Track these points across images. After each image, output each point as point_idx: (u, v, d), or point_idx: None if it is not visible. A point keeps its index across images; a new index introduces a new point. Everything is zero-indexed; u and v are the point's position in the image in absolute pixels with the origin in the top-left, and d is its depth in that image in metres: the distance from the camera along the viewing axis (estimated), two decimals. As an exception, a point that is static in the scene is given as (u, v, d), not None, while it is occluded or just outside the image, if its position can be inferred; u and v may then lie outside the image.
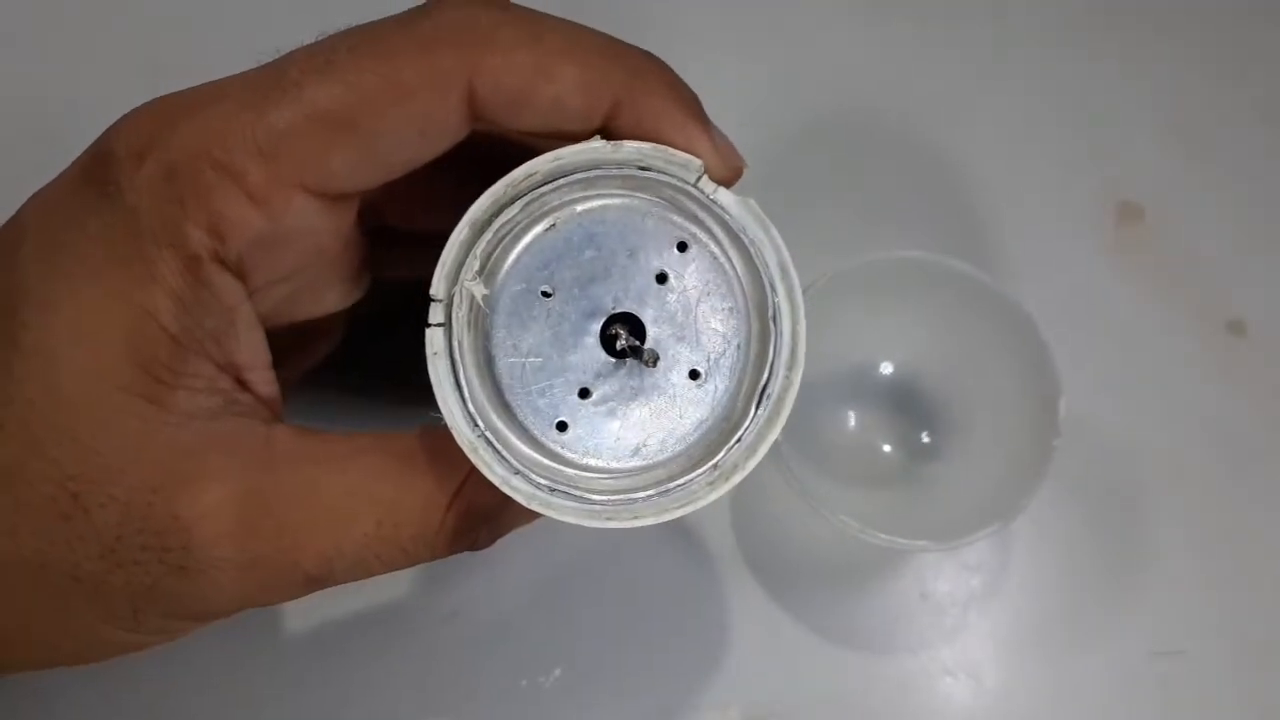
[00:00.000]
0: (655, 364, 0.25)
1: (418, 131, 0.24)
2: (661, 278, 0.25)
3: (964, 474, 0.34)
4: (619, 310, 0.25)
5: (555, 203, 0.24)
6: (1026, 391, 0.32)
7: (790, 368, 0.25)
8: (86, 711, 0.33)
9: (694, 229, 0.25)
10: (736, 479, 0.25)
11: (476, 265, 0.24)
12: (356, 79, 0.23)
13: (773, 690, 0.34)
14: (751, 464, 0.25)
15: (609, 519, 0.25)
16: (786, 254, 0.25)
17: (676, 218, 0.25)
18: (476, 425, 0.24)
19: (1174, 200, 0.40)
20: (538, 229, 0.24)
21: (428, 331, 0.24)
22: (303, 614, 0.34)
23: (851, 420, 0.36)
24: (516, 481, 0.24)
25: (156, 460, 0.23)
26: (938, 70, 0.42)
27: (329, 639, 0.34)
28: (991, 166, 0.40)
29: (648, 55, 0.25)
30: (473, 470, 0.25)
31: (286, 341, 0.27)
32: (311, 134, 0.23)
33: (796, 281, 0.25)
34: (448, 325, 0.24)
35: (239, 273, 0.24)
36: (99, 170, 0.24)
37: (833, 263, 0.33)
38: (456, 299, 0.24)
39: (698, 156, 0.25)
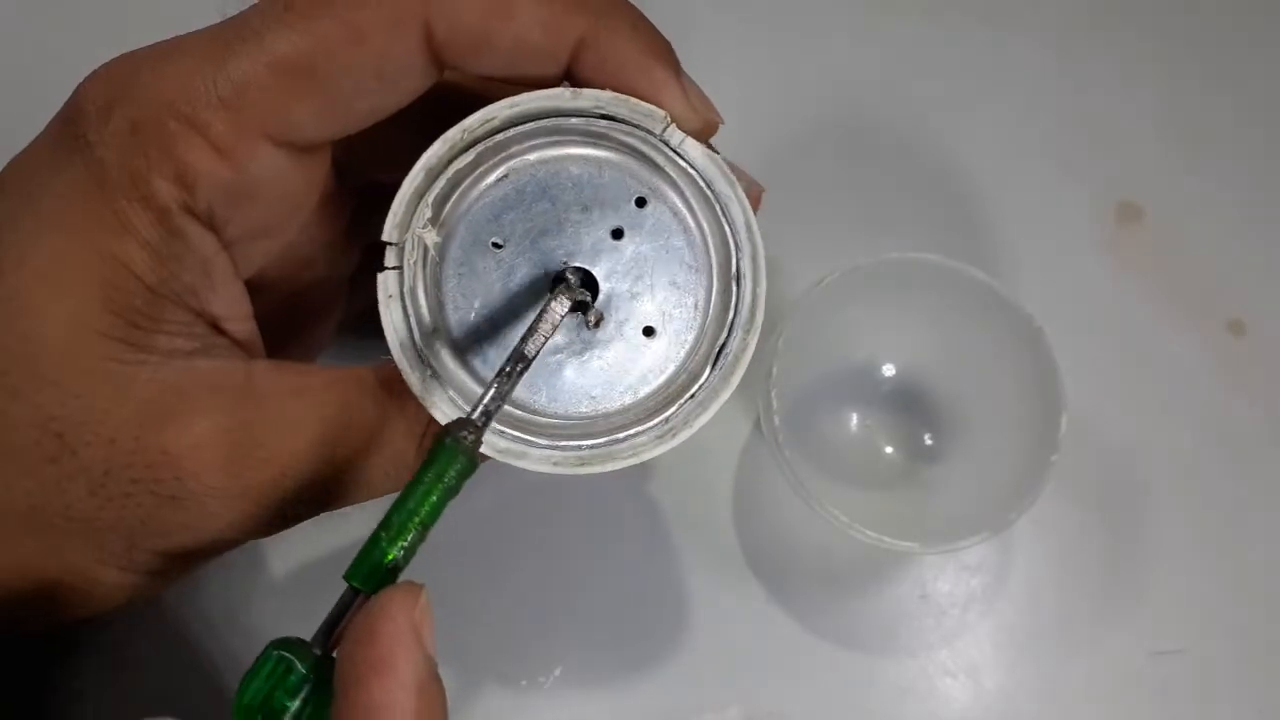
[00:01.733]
0: (598, 325, 0.25)
1: (376, 75, 0.24)
2: (617, 233, 0.24)
3: (963, 479, 0.34)
4: (571, 265, 0.25)
5: (510, 150, 0.24)
6: (1030, 404, 0.32)
7: (748, 330, 0.25)
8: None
9: (657, 181, 0.24)
10: (684, 434, 0.25)
11: (429, 213, 0.24)
12: (313, 24, 0.23)
13: (772, 690, 0.34)
14: (700, 421, 0.25)
15: (555, 465, 0.25)
16: (752, 213, 0.25)
17: (638, 169, 0.24)
18: (427, 368, 0.24)
19: (1174, 200, 0.40)
20: (490, 178, 0.24)
21: (379, 276, 0.24)
22: (299, 608, 0.34)
23: (853, 421, 0.36)
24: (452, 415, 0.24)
25: (140, 397, 0.24)
26: (938, 71, 0.42)
27: (280, 630, 0.34)
28: (992, 167, 0.40)
29: (619, 2, 0.25)
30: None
31: (288, 316, 0.27)
32: (272, 82, 0.23)
33: (760, 241, 0.25)
34: (400, 269, 0.24)
35: (210, 224, 0.24)
36: (69, 126, 0.24)
37: (833, 263, 0.32)
38: (409, 245, 0.24)
39: (664, 104, 0.24)
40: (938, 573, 0.36)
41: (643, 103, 0.24)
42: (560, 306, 0.24)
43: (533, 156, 0.24)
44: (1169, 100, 0.42)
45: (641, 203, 0.24)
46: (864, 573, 0.36)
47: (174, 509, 0.24)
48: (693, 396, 0.25)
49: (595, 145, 0.24)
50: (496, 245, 0.24)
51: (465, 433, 0.22)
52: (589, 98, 0.24)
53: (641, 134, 0.24)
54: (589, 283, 0.25)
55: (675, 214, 0.24)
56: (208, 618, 0.34)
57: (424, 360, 0.24)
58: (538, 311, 0.24)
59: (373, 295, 0.24)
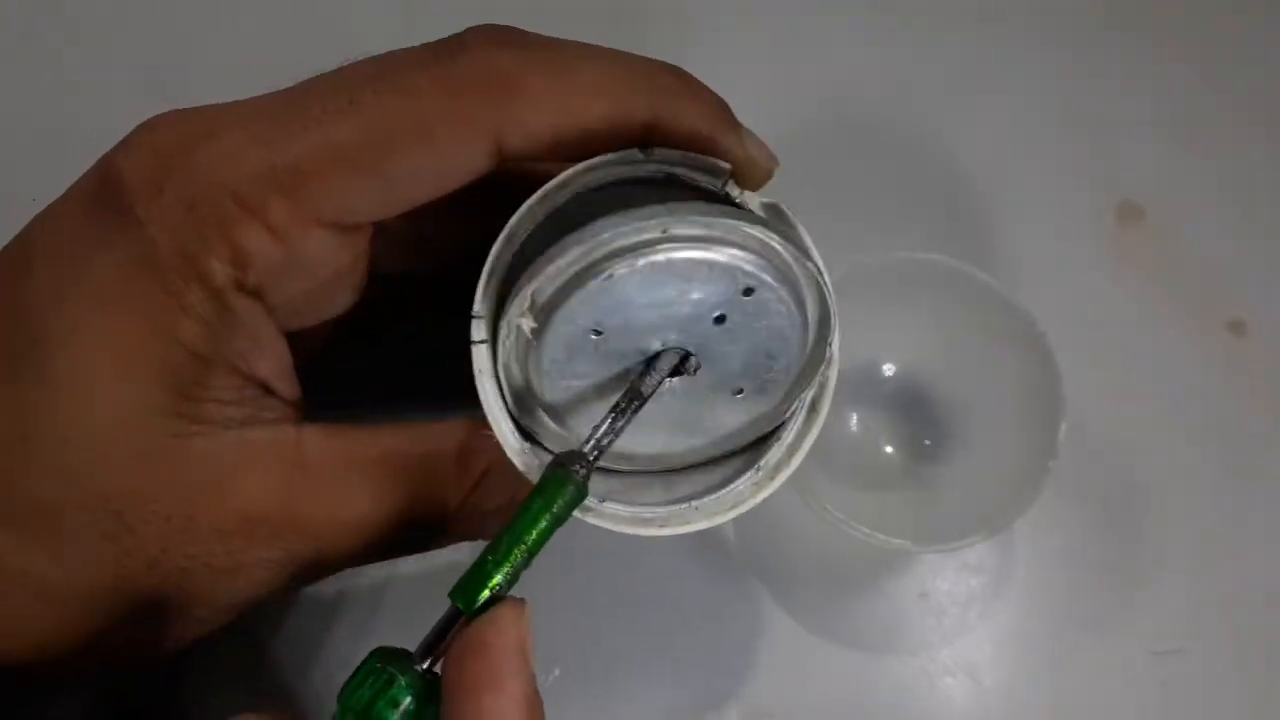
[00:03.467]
0: (696, 372, 0.24)
1: (439, 174, 0.24)
2: (720, 319, 0.24)
3: (962, 479, 0.34)
4: (669, 347, 0.24)
5: (618, 257, 0.23)
6: (1030, 408, 0.32)
7: (828, 365, 0.25)
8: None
9: (762, 271, 0.23)
10: (782, 477, 0.26)
11: (527, 303, 0.23)
12: (380, 121, 0.23)
13: (772, 690, 0.34)
14: (796, 461, 0.26)
15: (662, 525, 0.25)
16: (817, 256, 0.25)
17: (745, 259, 0.23)
18: (526, 441, 0.25)
19: (1175, 200, 0.40)
20: (596, 279, 0.22)
21: (473, 349, 0.24)
22: (293, 614, 0.34)
23: (854, 421, 0.36)
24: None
25: (194, 474, 0.24)
26: (939, 72, 0.42)
27: (325, 640, 0.34)
28: (992, 167, 0.40)
29: (674, 72, 0.25)
30: (486, 472, 0.25)
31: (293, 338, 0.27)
32: (332, 173, 0.23)
33: (829, 280, 0.25)
34: (491, 343, 0.24)
35: (257, 295, 0.24)
36: (112, 196, 0.23)
37: (832, 263, 0.32)
38: (504, 331, 0.23)
39: (728, 159, 0.24)
40: (938, 572, 0.36)
41: (705, 157, 0.24)
42: (671, 358, 0.24)
43: (641, 261, 0.22)
44: (1169, 100, 0.42)
45: (749, 292, 0.24)
46: (864, 572, 0.36)
47: (228, 580, 0.25)
48: (781, 440, 0.26)
49: (705, 248, 0.23)
50: (596, 333, 0.23)
51: (577, 466, 0.22)
52: (658, 158, 0.24)
53: (707, 186, 0.24)
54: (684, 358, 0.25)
55: (779, 297, 0.24)
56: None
57: (522, 436, 0.25)
58: (644, 362, 0.24)
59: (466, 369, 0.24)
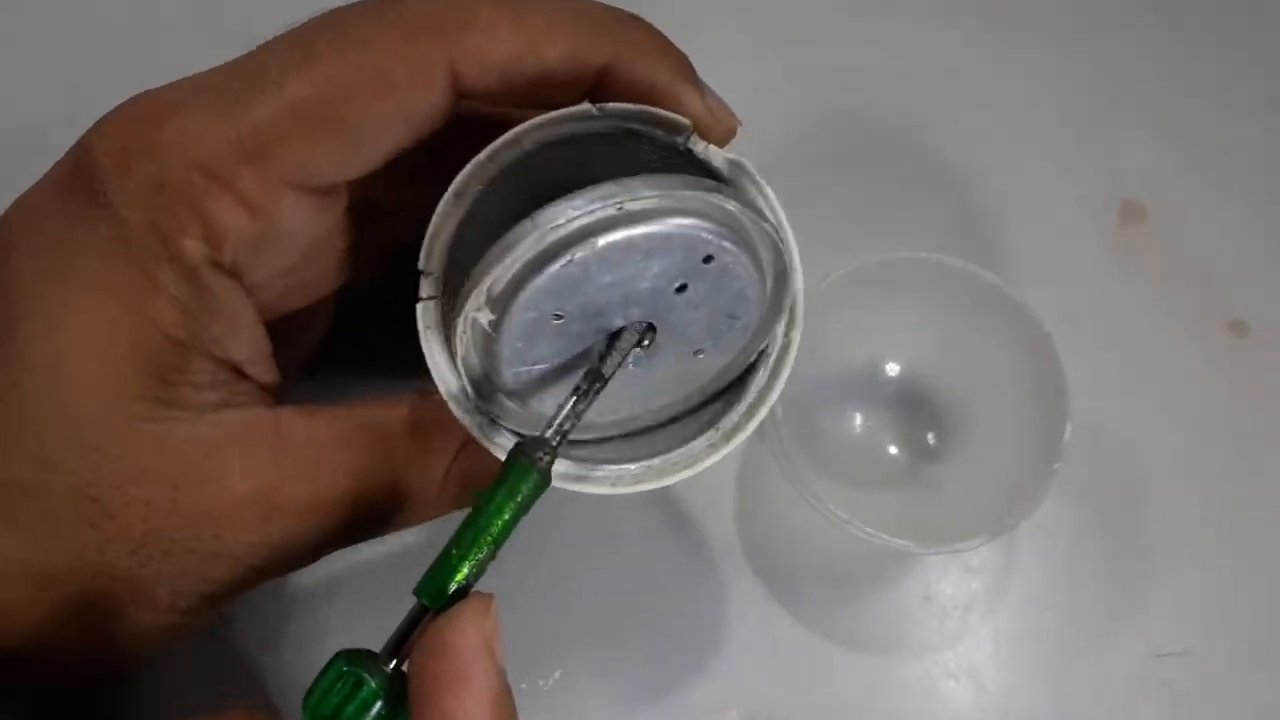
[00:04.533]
0: (650, 345, 0.24)
1: (402, 120, 0.23)
2: (681, 288, 0.24)
3: (966, 481, 0.34)
4: (632, 321, 0.24)
5: (576, 241, 0.22)
6: (1035, 410, 0.32)
7: (790, 328, 0.25)
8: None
9: (723, 238, 0.23)
10: (739, 439, 0.25)
11: (483, 298, 0.22)
12: (337, 73, 0.23)
13: (773, 692, 0.34)
14: (753, 424, 0.25)
15: (613, 485, 0.25)
16: (782, 213, 0.25)
17: (706, 228, 0.23)
18: (471, 397, 0.24)
19: (1177, 200, 0.40)
20: (555, 265, 0.22)
21: (418, 306, 0.24)
22: (294, 613, 0.34)
23: (857, 421, 0.36)
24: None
25: (174, 458, 0.24)
26: (940, 70, 0.42)
27: (324, 641, 0.34)
28: (994, 166, 0.40)
29: (634, 20, 0.25)
30: (469, 440, 0.25)
31: (284, 331, 0.27)
32: (297, 133, 0.23)
33: (791, 236, 0.24)
34: (439, 298, 0.24)
35: (235, 273, 0.24)
36: (85, 180, 0.23)
37: (833, 262, 0.32)
38: (460, 326, 0.23)
39: (687, 114, 0.24)
40: (941, 574, 0.36)
41: (666, 113, 0.24)
42: (630, 340, 0.23)
43: (601, 242, 0.22)
44: (1172, 100, 0.42)
45: (708, 259, 0.23)
46: (866, 574, 0.36)
47: (213, 563, 0.25)
48: (740, 402, 0.25)
49: (662, 222, 0.22)
50: (557, 317, 0.23)
51: (540, 453, 0.22)
52: (614, 113, 0.24)
53: (668, 141, 0.24)
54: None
55: (738, 260, 0.23)
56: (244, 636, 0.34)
57: (468, 394, 0.24)
58: (607, 339, 0.23)
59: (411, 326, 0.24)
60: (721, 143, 0.24)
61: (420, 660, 0.20)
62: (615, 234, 0.22)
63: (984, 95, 0.42)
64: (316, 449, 0.25)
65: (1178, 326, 0.39)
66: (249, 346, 0.25)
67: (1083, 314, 0.38)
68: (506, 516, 0.21)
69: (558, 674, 0.34)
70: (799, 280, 0.25)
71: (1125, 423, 0.37)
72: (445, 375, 0.24)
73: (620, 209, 0.21)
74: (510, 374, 0.24)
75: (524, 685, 0.34)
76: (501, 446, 0.24)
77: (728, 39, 0.42)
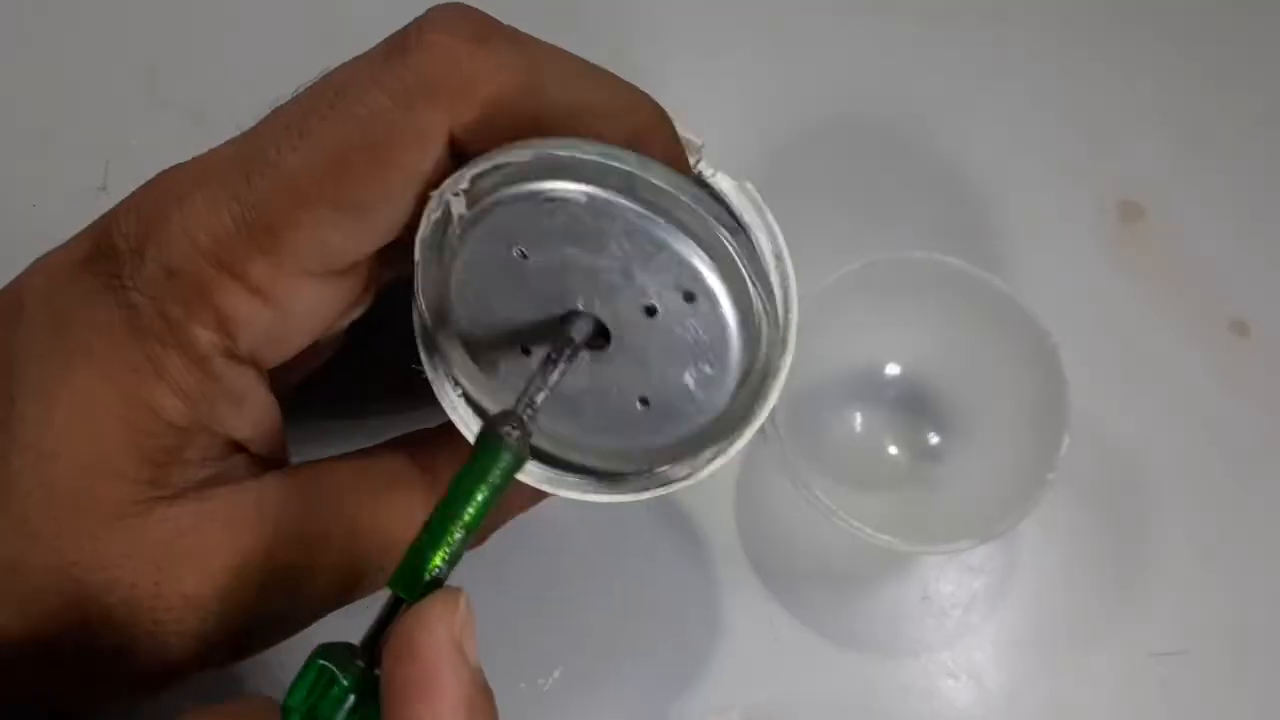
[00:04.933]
0: (609, 350, 0.23)
1: (406, 187, 0.22)
2: (650, 310, 0.22)
3: (962, 482, 0.34)
4: (588, 312, 0.22)
5: (577, 171, 0.21)
6: (1036, 418, 0.32)
7: (782, 353, 0.24)
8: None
9: (708, 273, 0.21)
10: (716, 465, 0.24)
11: (466, 184, 0.21)
12: (334, 150, 0.22)
13: (773, 692, 0.34)
14: (733, 449, 0.24)
15: (586, 492, 0.24)
16: (782, 240, 0.24)
17: (694, 254, 0.21)
18: (458, 384, 0.24)
19: (1176, 200, 0.40)
20: (543, 186, 0.21)
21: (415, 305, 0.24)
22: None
23: (857, 421, 0.36)
24: (532, 466, 0.24)
25: (157, 541, 0.23)
26: (939, 70, 0.42)
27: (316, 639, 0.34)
28: (993, 166, 0.40)
29: (649, 111, 0.23)
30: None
31: (289, 369, 0.27)
32: (303, 219, 0.22)
33: (790, 267, 0.24)
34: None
35: (253, 361, 0.24)
36: (102, 261, 0.23)
37: (833, 262, 0.32)
38: (433, 202, 0.22)
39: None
40: (940, 574, 0.36)
41: (681, 131, 0.23)
42: (588, 325, 0.22)
43: (601, 195, 0.20)
44: (1171, 100, 0.42)
45: (689, 298, 0.22)
46: (866, 573, 0.36)
47: (199, 642, 0.24)
48: (726, 427, 0.24)
49: (665, 223, 0.21)
50: (522, 254, 0.22)
51: (509, 427, 0.20)
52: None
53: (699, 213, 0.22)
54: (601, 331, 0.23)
55: (720, 322, 0.22)
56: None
57: (455, 380, 0.24)
58: (558, 319, 0.22)
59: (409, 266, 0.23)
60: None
61: (389, 664, 0.19)
62: (617, 198, 0.21)
63: (984, 95, 0.42)
64: (300, 517, 0.25)
65: (1178, 326, 0.39)
66: (255, 426, 0.25)
67: (1082, 314, 0.38)
68: (479, 499, 0.20)
69: (557, 673, 0.34)
70: (794, 310, 0.24)
71: (1125, 422, 0.37)
72: (458, 408, 0.24)
73: (632, 178, 0.20)
74: (460, 306, 0.23)
75: (524, 684, 0.34)
76: (447, 397, 0.24)
77: (728, 39, 0.42)
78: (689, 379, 0.23)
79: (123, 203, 0.24)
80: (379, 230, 0.23)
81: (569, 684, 0.34)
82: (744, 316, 0.22)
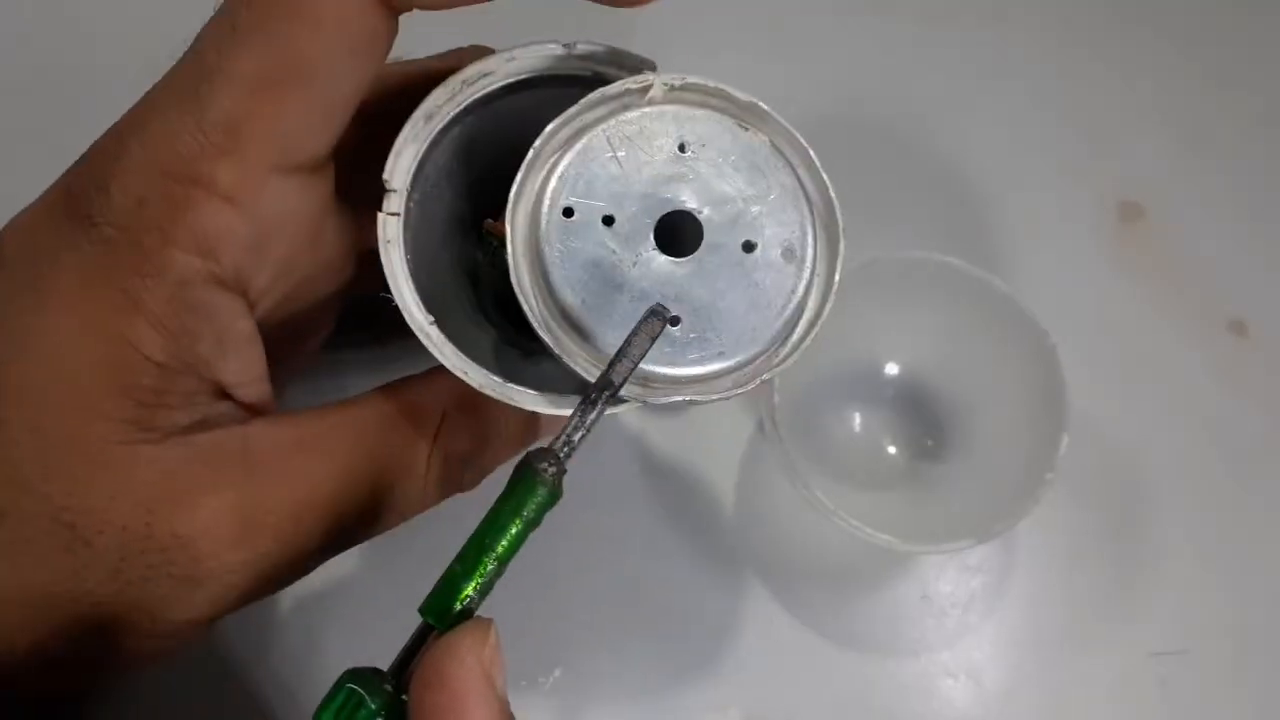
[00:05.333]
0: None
1: (348, 52, 0.23)
2: (749, 247, 0.24)
3: (962, 482, 0.34)
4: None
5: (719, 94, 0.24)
6: (1035, 419, 0.32)
7: (826, 291, 0.24)
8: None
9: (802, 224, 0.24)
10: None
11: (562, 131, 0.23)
12: (270, 31, 0.22)
13: (773, 691, 0.34)
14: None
15: (560, 406, 0.24)
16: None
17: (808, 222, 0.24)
18: (427, 312, 0.24)
19: (1176, 200, 0.40)
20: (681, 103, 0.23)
21: (380, 218, 0.24)
22: (293, 616, 0.34)
23: (857, 421, 0.36)
24: (472, 371, 0.24)
25: (145, 482, 0.23)
26: (939, 70, 0.42)
27: (321, 642, 0.34)
28: (994, 166, 0.40)
29: None
30: (444, 420, 0.25)
31: (284, 333, 0.27)
32: (258, 109, 0.22)
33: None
34: (400, 216, 0.24)
35: (239, 287, 0.24)
36: (71, 204, 0.23)
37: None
38: (532, 172, 0.23)
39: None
40: (939, 573, 0.36)
41: (633, 54, 0.24)
42: (647, 336, 0.22)
43: (735, 131, 0.24)
44: (1171, 100, 0.42)
45: (789, 256, 0.24)
46: (865, 573, 0.36)
47: (192, 587, 0.24)
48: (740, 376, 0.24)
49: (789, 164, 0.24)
50: (607, 220, 0.23)
51: (546, 464, 0.21)
52: (583, 53, 0.24)
53: (638, 87, 0.23)
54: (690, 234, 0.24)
55: (800, 276, 0.24)
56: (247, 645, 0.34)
57: (423, 306, 0.24)
58: (625, 337, 0.22)
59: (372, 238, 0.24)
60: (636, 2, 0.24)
61: (418, 692, 0.20)
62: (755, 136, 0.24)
63: (984, 95, 0.42)
64: (287, 457, 0.25)
65: (1178, 326, 0.39)
66: (239, 367, 0.25)
67: (1082, 313, 0.38)
68: (513, 532, 0.21)
69: (558, 672, 0.34)
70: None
71: (1124, 422, 0.37)
72: (402, 286, 0.24)
73: (735, 106, 0.23)
74: (552, 243, 0.23)
75: (524, 683, 0.34)
76: (453, 362, 0.24)
77: (729, 40, 0.42)
78: (742, 317, 0.24)
79: (87, 152, 0.24)
80: (330, 109, 0.23)
81: (569, 683, 0.34)
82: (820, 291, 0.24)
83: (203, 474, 0.24)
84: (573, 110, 0.23)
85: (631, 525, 0.36)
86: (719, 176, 0.24)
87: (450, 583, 0.20)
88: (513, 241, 0.23)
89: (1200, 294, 0.39)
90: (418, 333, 0.24)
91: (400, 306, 0.24)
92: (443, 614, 0.20)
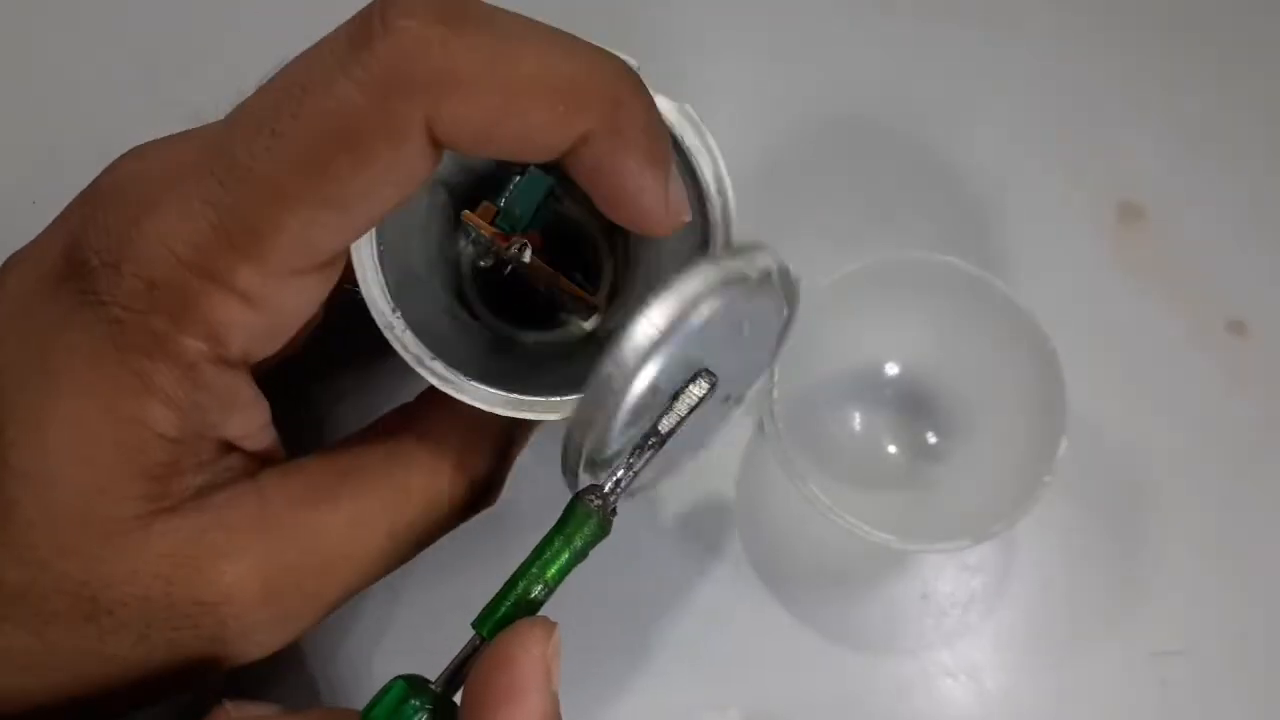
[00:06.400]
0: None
1: (388, 183, 0.22)
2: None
3: (960, 482, 0.34)
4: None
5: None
6: (1035, 420, 0.32)
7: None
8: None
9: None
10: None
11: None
12: (310, 150, 0.21)
13: (772, 691, 0.34)
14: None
15: (520, 409, 0.24)
16: (723, 164, 0.25)
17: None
18: (394, 307, 0.24)
19: (1175, 200, 0.40)
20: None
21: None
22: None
23: (856, 420, 0.36)
24: (432, 363, 0.24)
25: (162, 554, 0.23)
26: (939, 70, 0.42)
27: (322, 646, 0.34)
28: (993, 166, 0.40)
29: (628, 83, 0.23)
30: (463, 449, 0.25)
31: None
32: (286, 222, 0.21)
33: (730, 192, 0.25)
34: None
35: (245, 363, 0.24)
36: (76, 277, 0.23)
37: (833, 262, 0.32)
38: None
39: (644, 204, 0.23)
40: (939, 573, 0.36)
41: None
42: (698, 390, 0.23)
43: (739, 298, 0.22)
44: (1171, 99, 0.42)
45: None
46: (865, 573, 0.36)
47: (220, 645, 0.24)
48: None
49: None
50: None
51: (592, 497, 0.22)
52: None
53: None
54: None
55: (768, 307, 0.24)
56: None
57: (390, 300, 0.24)
58: (672, 394, 0.23)
59: None
60: (666, 234, 0.24)
61: (482, 672, 0.20)
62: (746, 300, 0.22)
63: (984, 95, 0.42)
64: (305, 514, 0.25)
65: (1177, 326, 0.39)
66: (245, 423, 0.25)
67: (1081, 313, 0.38)
68: (563, 561, 0.22)
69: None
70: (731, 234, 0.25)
71: (1124, 422, 0.37)
72: (369, 278, 0.24)
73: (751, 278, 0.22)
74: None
75: (523, 683, 0.34)
76: (413, 356, 0.24)
77: (729, 40, 0.42)
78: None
79: (86, 203, 0.23)
80: (362, 223, 0.23)
81: (568, 683, 0.34)
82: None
83: (220, 540, 0.24)
84: None
85: (631, 524, 0.36)
86: None
87: (501, 603, 0.22)
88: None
89: (1200, 294, 0.39)
90: (382, 327, 0.24)
91: (366, 299, 0.24)
92: (495, 631, 0.22)
